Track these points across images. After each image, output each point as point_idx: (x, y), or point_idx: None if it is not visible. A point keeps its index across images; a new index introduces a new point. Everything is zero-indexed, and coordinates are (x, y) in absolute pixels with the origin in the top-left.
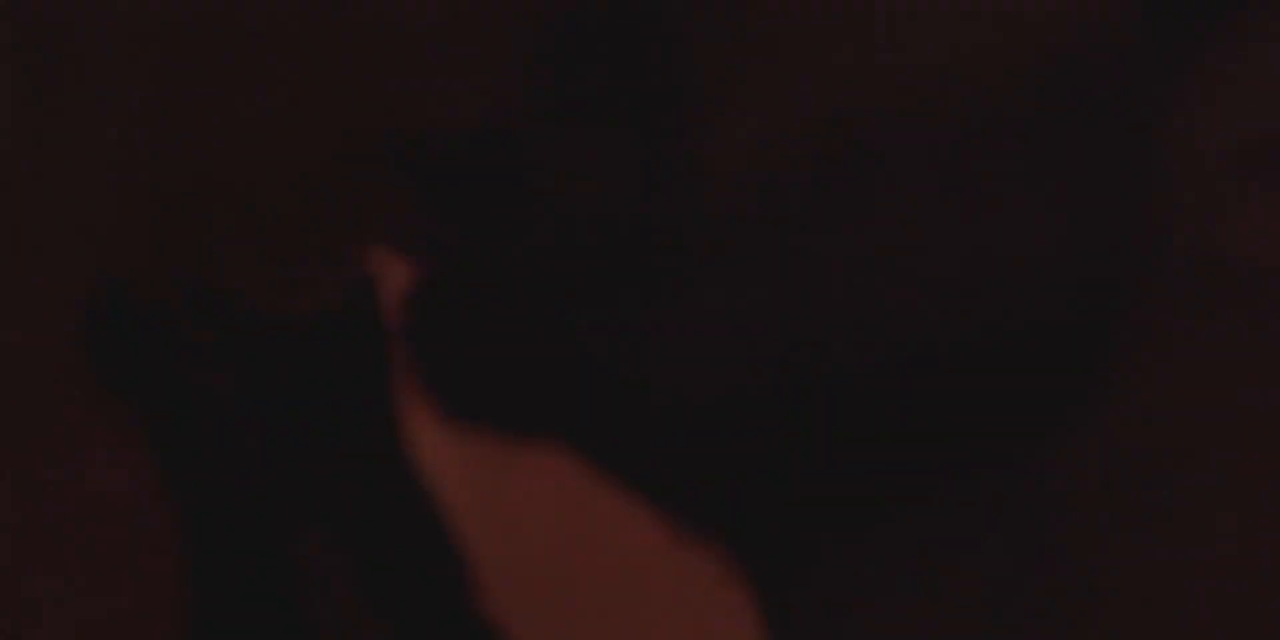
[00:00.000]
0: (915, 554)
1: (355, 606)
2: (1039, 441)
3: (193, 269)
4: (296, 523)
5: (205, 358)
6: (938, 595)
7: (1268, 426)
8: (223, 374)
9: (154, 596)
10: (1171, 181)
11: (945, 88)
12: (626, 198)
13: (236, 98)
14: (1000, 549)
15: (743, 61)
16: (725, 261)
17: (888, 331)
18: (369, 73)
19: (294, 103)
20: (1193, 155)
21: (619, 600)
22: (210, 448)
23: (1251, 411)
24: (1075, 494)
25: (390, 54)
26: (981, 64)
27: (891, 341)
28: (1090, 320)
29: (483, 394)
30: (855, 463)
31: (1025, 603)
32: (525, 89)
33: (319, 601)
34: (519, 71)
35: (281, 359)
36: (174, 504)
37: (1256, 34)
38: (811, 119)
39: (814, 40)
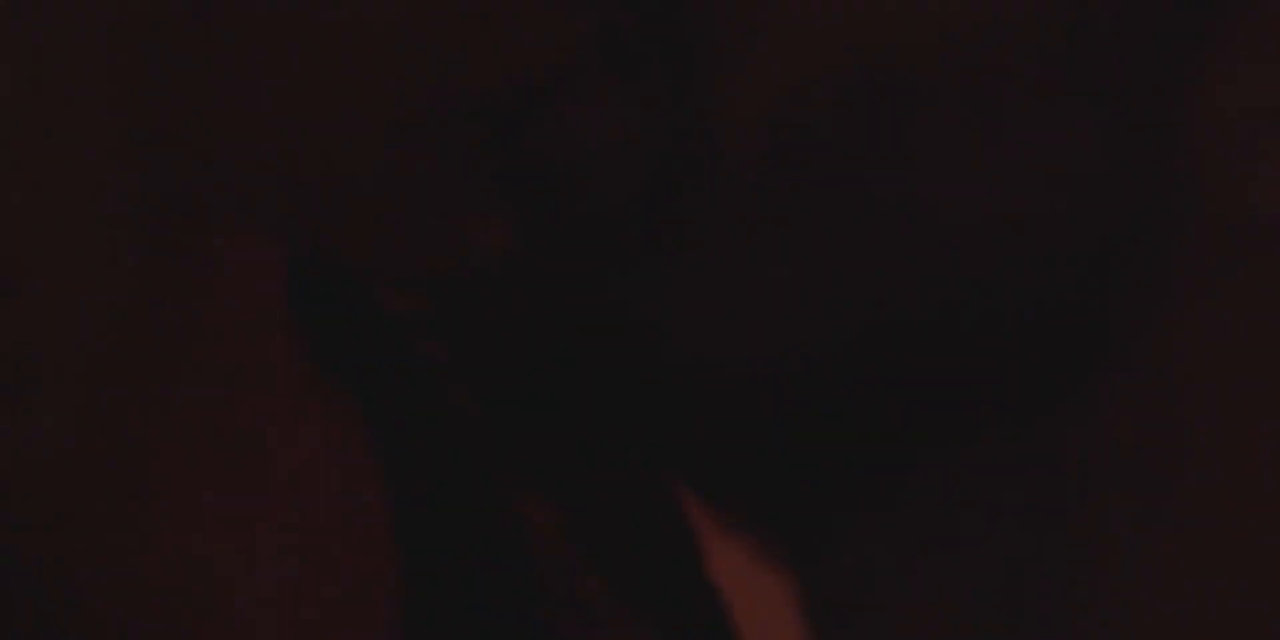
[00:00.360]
0: (930, 530)
1: (576, 563)
2: (1056, 402)
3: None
4: (513, 481)
5: (404, 324)
6: (953, 572)
7: None
8: (427, 338)
9: (367, 564)
10: (1203, 138)
11: (974, 30)
12: (655, 148)
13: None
14: (1014, 519)
15: (766, 4)
16: (752, 211)
17: (916, 282)
18: (432, 33)
19: (352, 70)
20: (1227, 113)
21: None
22: (420, 410)
23: None
24: (1092, 459)
25: (455, 13)
26: (1014, 8)
27: (920, 292)
28: (1115, 276)
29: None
30: (878, 424)
31: (1038, 577)
32: (579, 42)
33: (538, 559)
34: (573, 24)
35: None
36: (385, 469)
37: None
38: (836, 61)
39: None
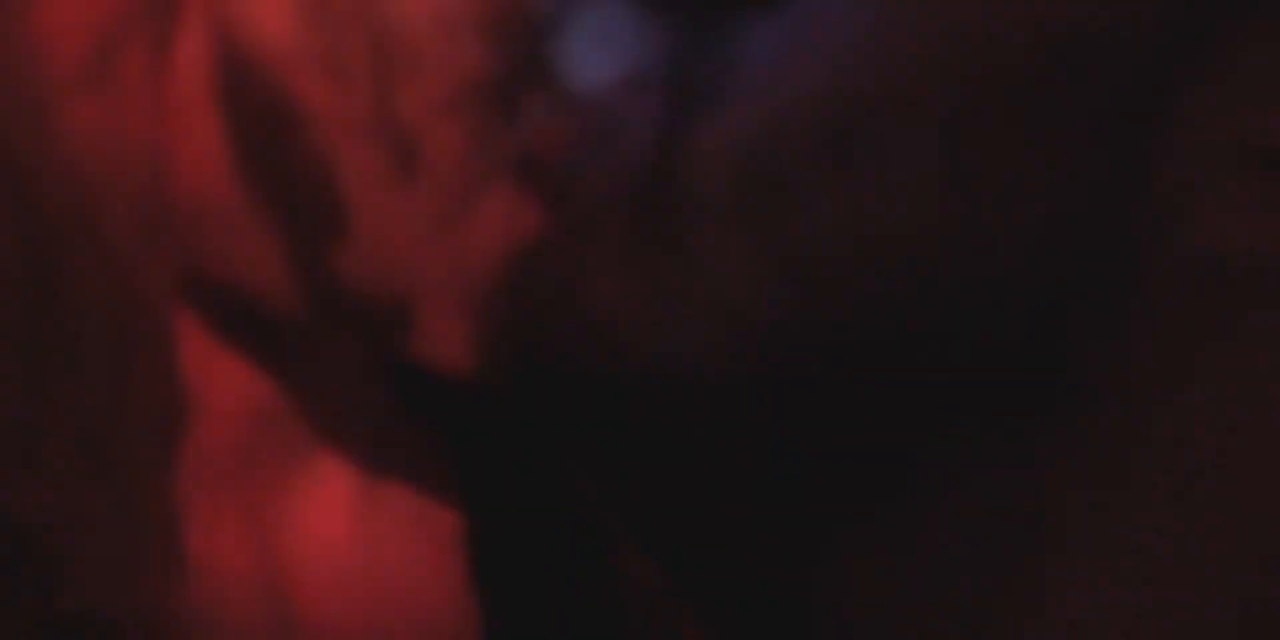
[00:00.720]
0: (909, 553)
1: (678, 622)
2: (1027, 434)
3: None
4: (611, 537)
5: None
6: (932, 598)
7: (1262, 427)
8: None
9: (453, 624)
10: (1176, 178)
11: (948, 63)
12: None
13: None
14: (993, 544)
15: (745, 52)
16: (727, 232)
17: (886, 308)
18: None
19: None
20: (1201, 154)
21: None
22: (512, 465)
23: (1246, 411)
24: (1065, 486)
25: None
26: (989, 44)
27: (890, 320)
28: (1083, 313)
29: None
30: (849, 445)
31: (1015, 601)
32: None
33: (638, 617)
34: None
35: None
36: (475, 521)
37: (1271, 35)
38: (813, 108)
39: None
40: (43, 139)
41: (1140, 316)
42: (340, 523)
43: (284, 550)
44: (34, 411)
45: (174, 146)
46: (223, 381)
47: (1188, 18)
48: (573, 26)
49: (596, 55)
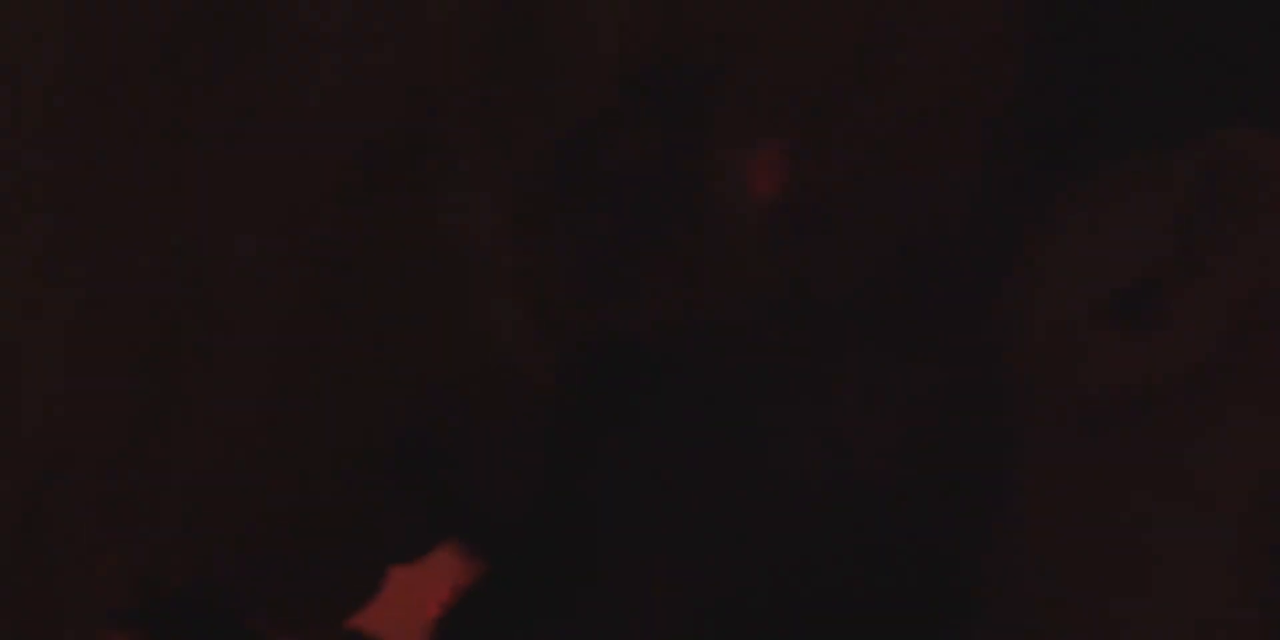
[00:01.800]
0: None
1: None
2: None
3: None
4: None
5: None
6: None
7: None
8: None
9: None
10: (1034, 331)
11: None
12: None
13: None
14: None
15: None
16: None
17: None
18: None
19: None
20: (1053, 308)
21: None
22: None
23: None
24: None
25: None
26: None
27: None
28: (976, 484)
29: None
30: None
31: None
32: None
33: None
34: None
35: None
36: None
37: (1103, 197)
38: None
39: None
40: None
41: (1027, 467)
42: None
43: None
44: None
45: None
46: None
47: (1030, 191)
48: None
49: None
